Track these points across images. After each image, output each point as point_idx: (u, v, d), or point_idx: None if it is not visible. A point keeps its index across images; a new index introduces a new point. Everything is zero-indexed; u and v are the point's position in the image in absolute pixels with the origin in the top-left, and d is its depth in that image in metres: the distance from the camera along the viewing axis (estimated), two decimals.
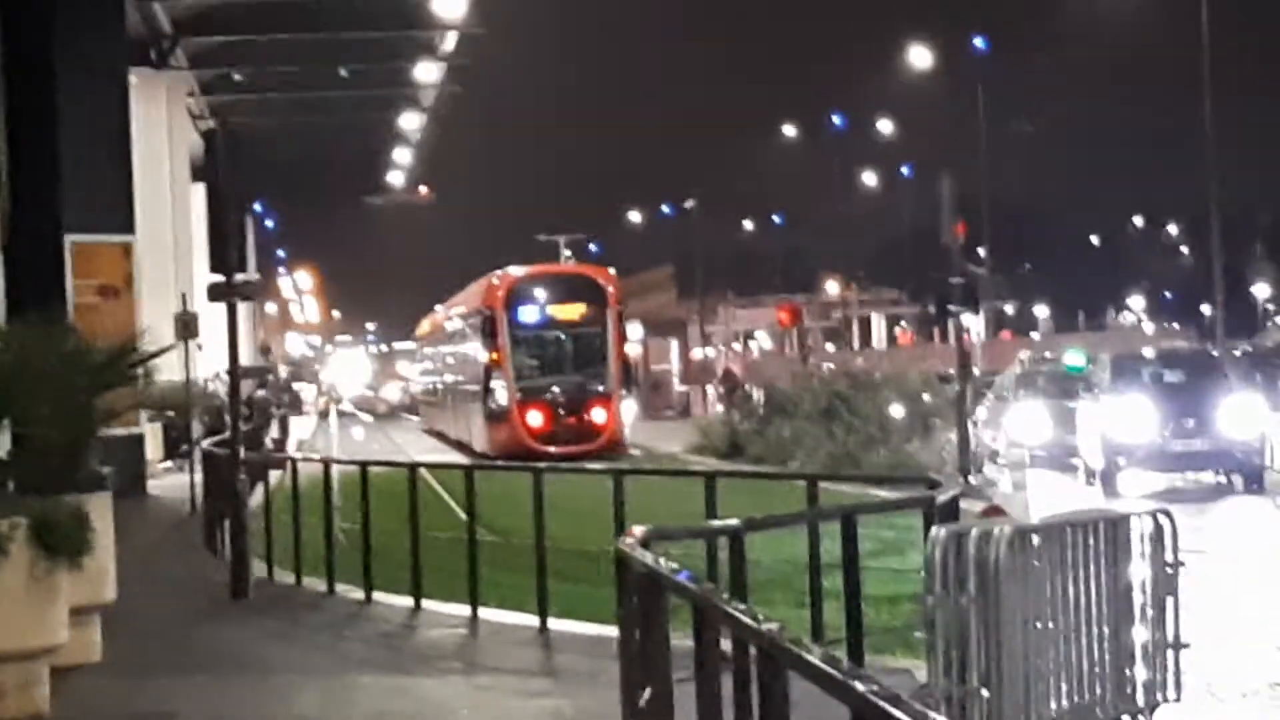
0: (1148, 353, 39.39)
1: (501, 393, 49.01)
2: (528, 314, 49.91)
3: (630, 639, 8.47)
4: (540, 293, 50.61)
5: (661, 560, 7.94)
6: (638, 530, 9.19)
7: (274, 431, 47.21)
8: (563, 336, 49.72)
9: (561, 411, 47.96)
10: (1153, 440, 32.10)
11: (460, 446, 54.15)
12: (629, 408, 50.62)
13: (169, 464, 38.88)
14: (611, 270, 54.99)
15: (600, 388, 48.76)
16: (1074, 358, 43.59)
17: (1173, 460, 32.55)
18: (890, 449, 36.64)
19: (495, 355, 49.64)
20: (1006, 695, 10.63)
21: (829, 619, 12.64)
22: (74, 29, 33.44)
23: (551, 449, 45.37)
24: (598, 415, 48.25)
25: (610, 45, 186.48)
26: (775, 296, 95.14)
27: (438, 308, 76.24)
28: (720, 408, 58.76)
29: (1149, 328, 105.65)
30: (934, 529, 11.03)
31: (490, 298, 51.34)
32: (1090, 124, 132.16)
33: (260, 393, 49.72)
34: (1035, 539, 11.11)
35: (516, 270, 53.23)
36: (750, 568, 11.32)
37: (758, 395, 45.90)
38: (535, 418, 48.18)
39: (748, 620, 5.77)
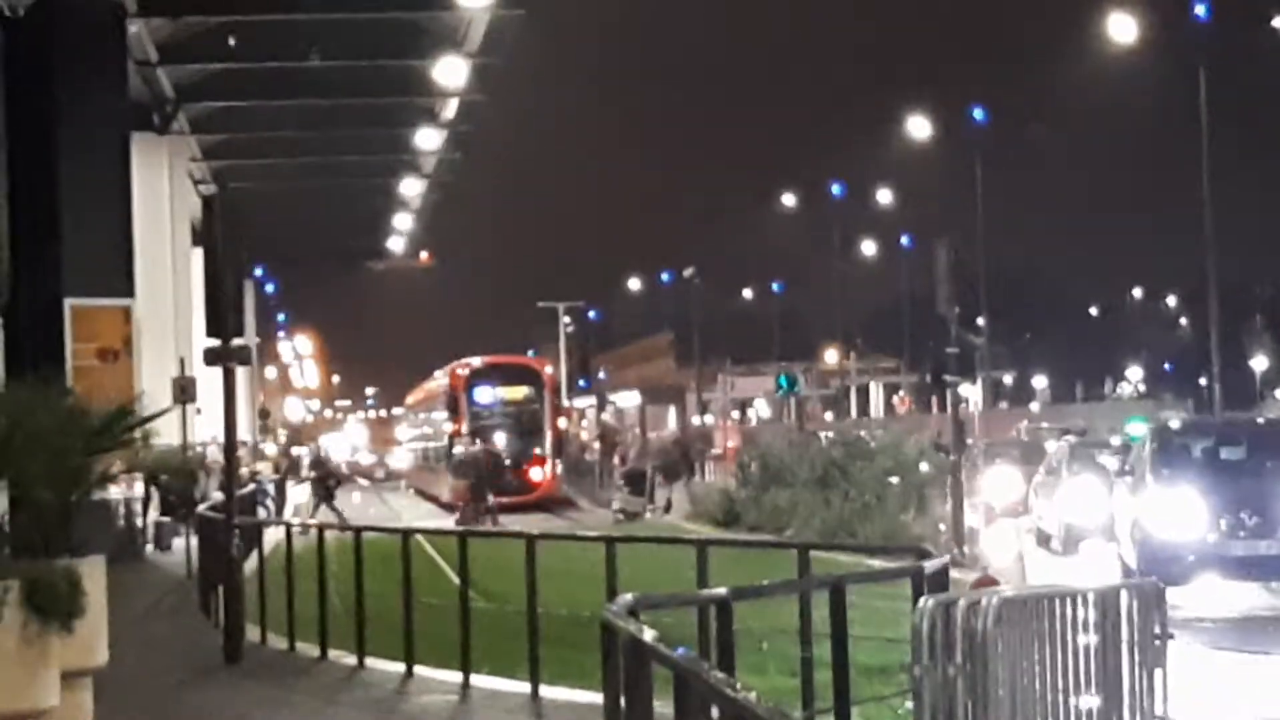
0: (1200, 424, 32.85)
1: (461, 455, 58.39)
2: (482, 395, 62.11)
3: (615, 707, 8.52)
4: (492, 378, 62.79)
5: (646, 629, 7.99)
6: (625, 598, 9.24)
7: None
8: (509, 411, 61.43)
9: (507, 469, 56.29)
10: (1204, 539, 24.40)
11: (430, 498, 66.36)
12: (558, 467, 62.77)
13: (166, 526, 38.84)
14: (548, 368, 67.74)
15: (538, 451, 60.51)
16: (1138, 428, 38.28)
17: (1232, 566, 24.42)
18: (886, 519, 36.61)
19: (457, 426, 61.43)
20: None
21: (819, 689, 12.65)
22: (76, 94, 33.63)
23: (500, 499, 53.89)
24: (535, 472, 59.95)
25: (611, 113, 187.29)
26: (773, 364, 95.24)
27: (437, 374, 77.54)
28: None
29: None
30: (922, 599, 11.06)
31: (454, 381, 63.87)
32: (1090, 195, 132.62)
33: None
34: (1023, 610, 11.15)
35: (474, 360, 65.03)
36: (742, 636, 11.34)
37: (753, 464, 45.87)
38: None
39: (728, 690, 5.83)
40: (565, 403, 78.23)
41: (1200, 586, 24.20)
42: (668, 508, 50.85)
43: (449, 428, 62.99)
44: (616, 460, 58.78)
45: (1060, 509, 34.02)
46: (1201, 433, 28.66)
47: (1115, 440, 39.08)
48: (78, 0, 33.79)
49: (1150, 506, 25.22)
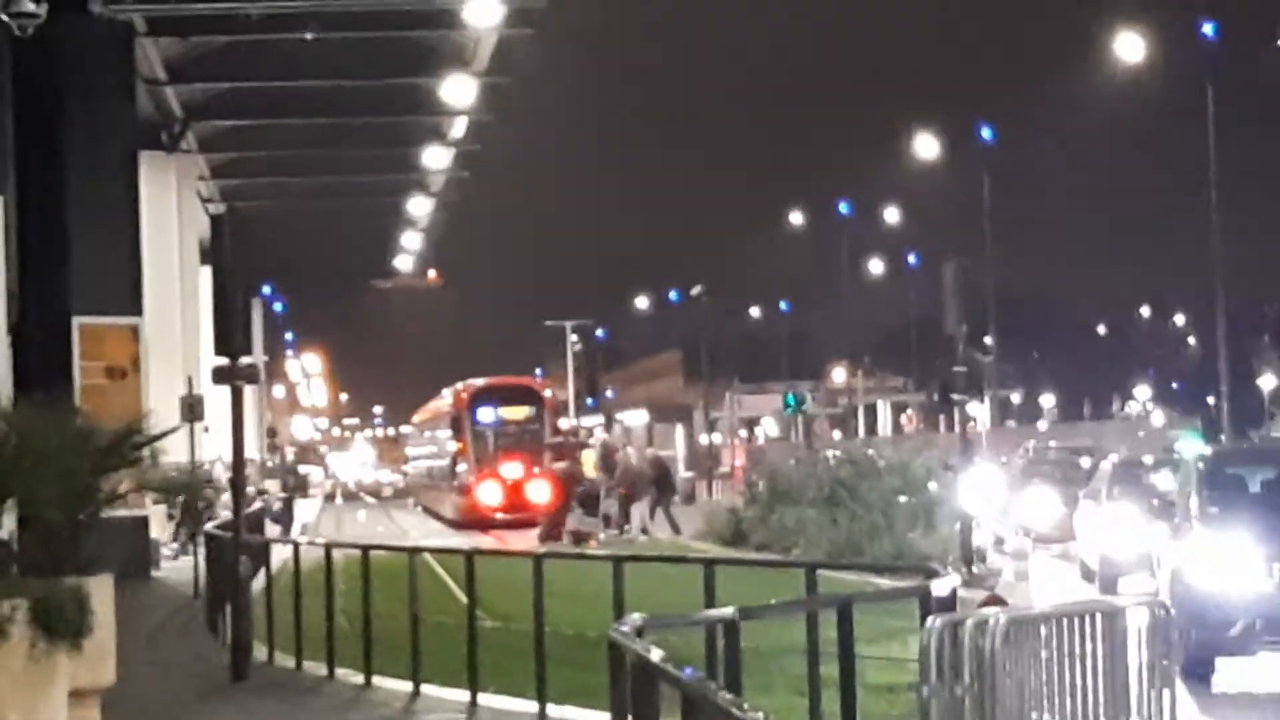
0: (1257, 450, 28.02)
1: (465, 473, 62.35)
2: (484, 415, 63.52)
3: None
4: (494, 399, 64.21)
5: (653, 648, 7.99)
6: (632, 617, 9.24)
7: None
8: (511, 431, 62.90)
9: (509, 487, 58.98)
10: (1260, 595, 18.66)
11: (435, 515, 68.34)
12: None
13: (174, 546, 38.88)
14: (548, 390, 68.84)
15: (538, 470, 59.62)
16: (1190, 446, 34.92)
17: None
18: (893, 538, 36.49)
19: (461, 445, 63.89)
20: None
21: (827, 708, 12.64)
22: (85, 112, 33.67)
23: (500, 516, 57.70)
24: (536, 490, 58.46)
25: (618, 131, 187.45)
26: (781, 383, 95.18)
27: (444, 393, 77.97)
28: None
29: None
30: (929, 619, 11.04)
31: (457, 402, 65.90)
32: (1097, 213, 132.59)
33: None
34: (1031, 629, 11.14)
35: (477, 381, 66.77)
36: (749, 655, 11.33)
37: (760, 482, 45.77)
38: (489, 492, 59.99)
39: (735, 710, 5.83)
40: (574, 421, 78.19)
41: (1255, 656, 18.95)
42: (644, 529, 50.34)
43: (453, 447, 65.00)
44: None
45: (1098, 539, 30.41)
46: (1259, 461, 22.75)
47: (1148, 459, 35.39)
48: (87, 19, 33.84)
49: (1194, 554, 19.59)
